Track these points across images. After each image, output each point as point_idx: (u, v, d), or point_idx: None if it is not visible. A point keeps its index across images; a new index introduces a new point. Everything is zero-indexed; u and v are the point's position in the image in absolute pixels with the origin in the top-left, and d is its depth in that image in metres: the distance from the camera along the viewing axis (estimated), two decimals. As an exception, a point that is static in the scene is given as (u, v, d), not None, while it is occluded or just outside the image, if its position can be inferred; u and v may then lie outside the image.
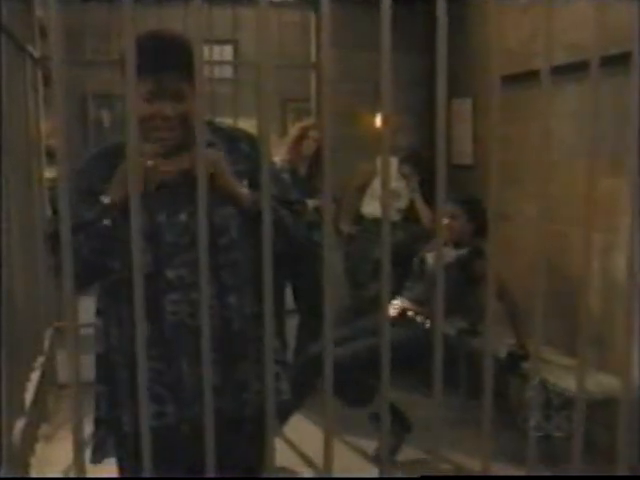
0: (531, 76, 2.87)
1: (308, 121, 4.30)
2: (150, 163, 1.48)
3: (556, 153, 3.25)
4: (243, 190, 1.60)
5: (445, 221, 3.42)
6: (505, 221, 3.66)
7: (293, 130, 4.18)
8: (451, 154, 4.36)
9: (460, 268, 3.37)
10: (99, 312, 1.72)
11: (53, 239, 1.53)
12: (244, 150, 1.70)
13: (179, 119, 1.57)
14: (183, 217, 1.61)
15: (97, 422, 1.72)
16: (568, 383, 2.98)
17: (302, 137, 4.06)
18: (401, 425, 3.33)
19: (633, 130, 1.20)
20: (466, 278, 3.36)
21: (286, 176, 4.00)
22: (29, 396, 3.07)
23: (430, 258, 3.47)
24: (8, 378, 2.40)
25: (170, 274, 1.61)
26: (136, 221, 1.03)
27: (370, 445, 3.37)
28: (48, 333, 3.95)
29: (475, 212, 3.38)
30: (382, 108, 1.13)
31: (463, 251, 3.43)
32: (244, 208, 1.59)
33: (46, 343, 3.82)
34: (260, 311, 1.62)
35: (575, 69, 2.73)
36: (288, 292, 4.22)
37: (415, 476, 3.14)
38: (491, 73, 1.14)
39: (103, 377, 1.71)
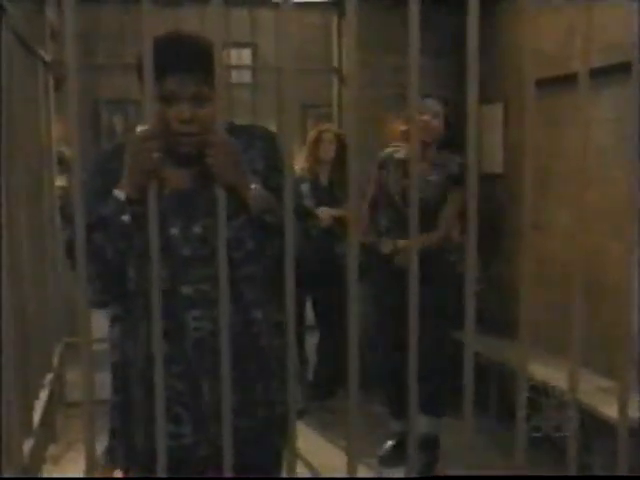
0: (566, 79, 2.86)
1: (324, 124, 4.31)
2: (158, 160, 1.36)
3: (593, 160, 3.22)
4: (250, 195, 1.54)
5: (425, 117, 3.19)
6: (536, 231, 3.63)
7: (310, 135, 4.20)
8: (480, 162, 4.33)
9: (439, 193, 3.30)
10: (113, 321, 1.72)
11: (71, 249, 1.50)
12: (261, 148, 1.68)
13: (198, 124, 1.54)
14: (197, 229, 1.60)
15: (111, 432, 1.74)
16: (606, 407, 2.93)
17: (318, 140, 4.07)
18: (428, 454, 3.29)
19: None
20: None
21: (305, 186, 4.01)
22: (37, 415, 3.09)
23: None
24: (16, 396, 2.41)
25: (187, 289, 1.60)
26: (154, 233, 1.04)
27: (391, 472, 3.35)
28: (58, 349, 3.97)
29: (454, 116, 3.25)
30: (408, 114, 1.13)
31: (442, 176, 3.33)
32: (250, 216, 1.56)
33: (55, 359, 3.84)
34: (279, 323, 1.63)
35: (614, 71, 2.71)
36: (308, 307, 4.23)
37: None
38: (525, 76, 1.14)
39: (117, 387, 1.72)
